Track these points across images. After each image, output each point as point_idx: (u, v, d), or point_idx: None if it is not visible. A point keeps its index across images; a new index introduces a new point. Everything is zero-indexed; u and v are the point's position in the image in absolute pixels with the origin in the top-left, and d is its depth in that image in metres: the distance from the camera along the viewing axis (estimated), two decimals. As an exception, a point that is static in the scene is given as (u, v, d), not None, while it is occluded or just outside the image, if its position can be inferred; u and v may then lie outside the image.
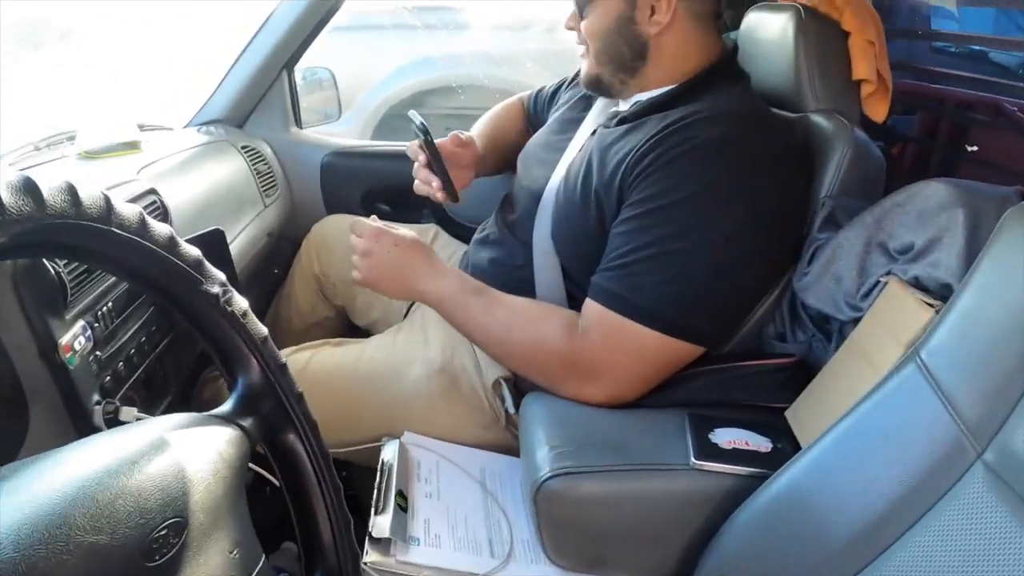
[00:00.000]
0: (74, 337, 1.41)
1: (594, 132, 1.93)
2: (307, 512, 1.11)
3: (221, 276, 0.98)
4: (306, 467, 1.09)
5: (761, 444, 1.51)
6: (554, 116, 2.24)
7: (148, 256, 0.88)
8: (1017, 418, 0.99)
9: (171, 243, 0.90)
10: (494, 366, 1.90)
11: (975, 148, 2.48)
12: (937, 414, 1.08)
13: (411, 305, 2.33)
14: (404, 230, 1.87)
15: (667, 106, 1.76)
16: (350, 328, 2.70)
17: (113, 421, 1.48)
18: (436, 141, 2.01)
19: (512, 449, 1.82)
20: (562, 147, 2.01)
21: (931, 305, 1.31)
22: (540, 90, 2.57)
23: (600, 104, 2.02)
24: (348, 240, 2.51)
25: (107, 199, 0.81)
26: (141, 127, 2.40)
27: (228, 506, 0.87)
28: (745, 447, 1.50)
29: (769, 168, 1.64)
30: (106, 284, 1.57)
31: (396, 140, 3.16)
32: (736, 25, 2.15)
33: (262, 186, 2.74)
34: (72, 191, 0.76)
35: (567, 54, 2.35)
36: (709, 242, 1.58)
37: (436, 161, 1.96)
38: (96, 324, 1.52)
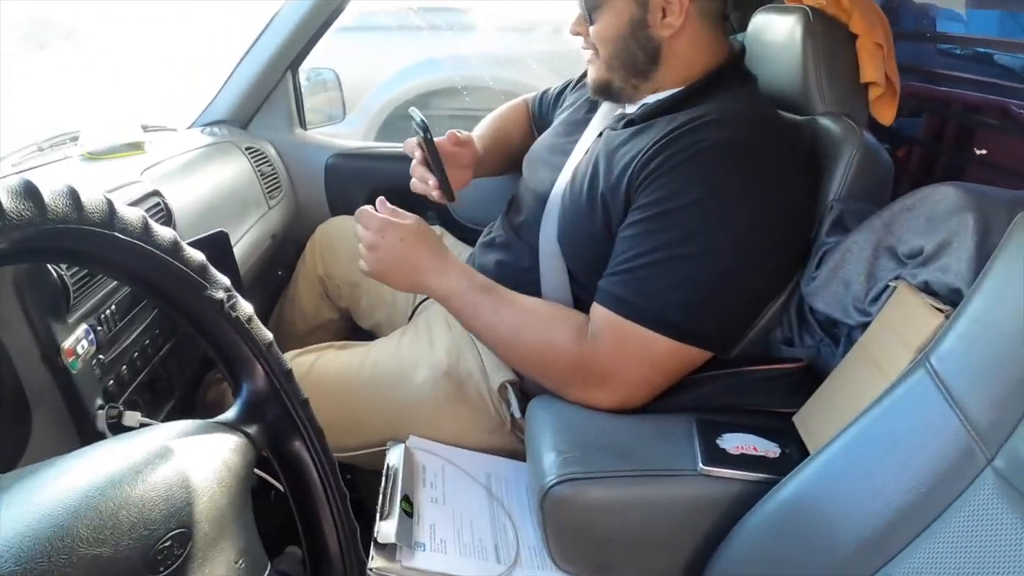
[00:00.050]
0: (77, 341, 1.40)
1: (600, 134, 1.92)
2: (313, 519, 1.10)
3: (226, 281, 0.97)
4: (312, 474, 1.08)
5: (769, 449, 1.50)
6: (559, 118, 2.23)
7: (151, 261, 0.87)
8: (1028, 424, 0.98)
9: (175, 247, 0.89)
10: (500, 370, 1.90)
11: (984, 151, 2.47)
12: (947, 420, 1.07)
13: (416, 307, 2.32)
14: (411, 221, 1.84)
15: (674, 108, 1.75)
16: (354, 330, 2.69)
17: (116, 426, 1.47)
18: (434, 140, 2.00)
19: (518, 453, 1.82)
20: (568, 149, 2.00)
21: (940, 310, 1.30)
22: (545, 92, 2.56)
23: (606, 106, 2.01)
24: (353, 242, 2.51)
25: (110, 203, 0.80)
26: (145, 128, 2.39)
27: (233, 515, 0.86)
28: (753, 452, 1.49)
29: (777, 171, 1.63)
30: (109, 287, 1.56)
31: (401, 141, 3.14)
32: (743, 27, 2.14)
33: (266, 188, 2.74)
34: (74, 195, 0.75)
35: (572, 55, 2.34)
36: (716, 246, 1.57)
37: (433, 159, 1.95)
38: (99, 327, 1.51)
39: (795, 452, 1.50)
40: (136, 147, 2.21)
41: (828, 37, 1.84)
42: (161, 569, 0.74)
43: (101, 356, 1.51)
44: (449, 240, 2.65)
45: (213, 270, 0.96)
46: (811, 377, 1.63)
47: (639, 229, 1.62)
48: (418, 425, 1.87)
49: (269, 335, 1.03)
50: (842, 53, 1.87)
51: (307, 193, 3.07)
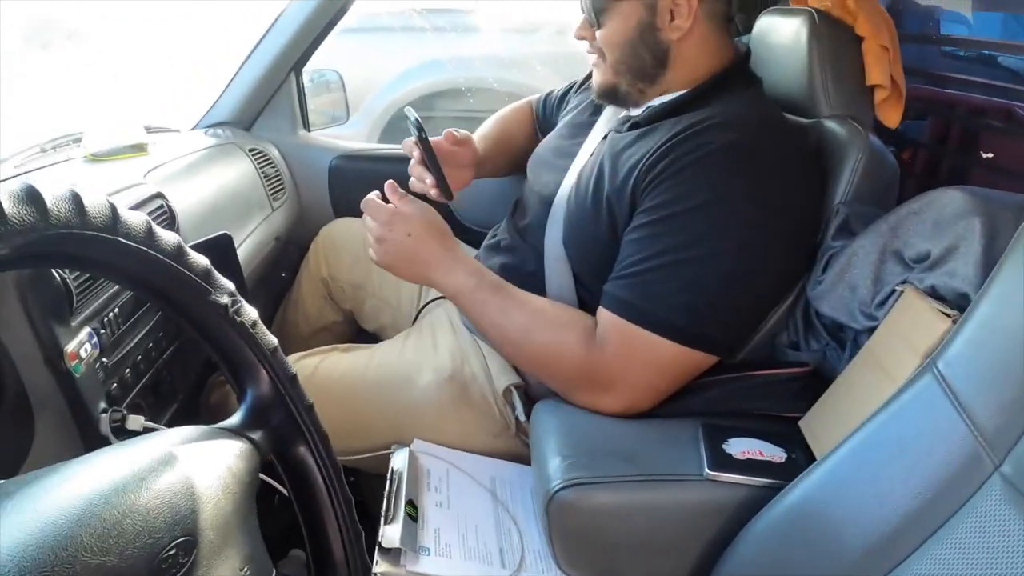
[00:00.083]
0: (80, 344, 1.40)
1: (605, 137, 1.91)
2: (317, 525, 1.09)
3: (230, 286, 0.96)
4: (317, 480, 1.07)
5: (775, 454, 1.50)
6: (563, 121, 2.22)
7: (155, 266, 0.86)
8: (1035, 430, 0.98)
9: (179, 252, 0.89)
10: (504, 373, 1.89)
11: (991, 155, 2.46)
12: (954, 425, 1.07)
13: (420, 310, 2.32)
14: (420, 212, 1.80)
15: (680, 111, 1.74)
16: (358, 332, 2.69)
17: (120, 429, 1.47)
18: (431, 139, 1.99)
19: (523, 457, 1.81)
20: (572, 152, 1.99)
21: (948, 315, 1.29)
22: (549, 94, 2.55)
23: (611, 109, 2.00)
24: (357, 244, 2.52)
25: (113, 207, 0.79)
26: (148, 129, 2.39)
27: (238, 522, 0.86)
28: (759, 457, 1.49)
29: (783, 174, 1.63)
30: (112, 290, 1.56)
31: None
32: (748, 29, 2.14)
33: (270, 189, 2.73)
34: (77, 200, 0.74)
35: (576, 57, 2.34)
36: (722, 250, 1.57)
37: (430, 158, 1.93)
38: (102, 331, 1.51)
39: (801, 457, 1.49)
40: (139, 149, 2.20)
41: (834, 39, 1.84)
42: (166, 577, 0.74)
43: (104, 359, 1.51)
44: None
45: (217, 274, 0.95)
46: (817, 382, 1.62)
47: (645, 232, 1.61)
48: (422, 428, 1.87)
49: (274, 340, 1.02)
50: (848, 55, 1.86)
51: (311, 195, 3.06)
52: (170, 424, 1.75)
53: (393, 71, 5.50)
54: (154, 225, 0.85)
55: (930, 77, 2.75)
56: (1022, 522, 0.96)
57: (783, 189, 1.62)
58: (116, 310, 1.58)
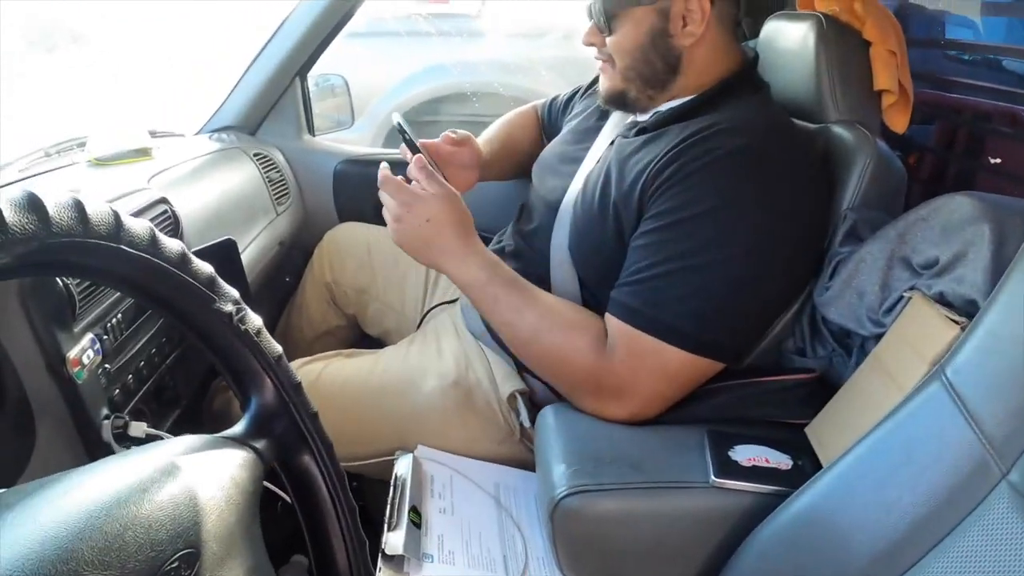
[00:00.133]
0: (82, 351, 1.40)
1: (612, 142, 1.90)
2: (321, 533, 1.08)
3: (235, 294, 0.96)
4: (321, 488, 1.06)
5: (781, 461, 1.49)
6: (569, 126, 2.21)
7: (159, 274, 0.85)
8: (1044, 438, 0.97)
9: (183, 260, 0.88)
10: (509, 379, 1.89)
11: (998, 160, 2.46)
12: (962, 433, 1.06)
13: (424, 315, 2.31)
14: (442, 196, 1.75)
15: (688, 116, 1.74)
16: (362, 337, 2.69)
17: (122, 436, 1.47)
18: (429, 142, 1.97)
19: (527, 463, 1.80)
20: (578, 157, 1.99)
21: (956, 322, 1.29)
22: (554, 98, 2.55)
23: (618, 114, 1.99)
24: (361, 249, 2.51)
25: (116, 215, 0.78)
26: (152, 134, 2.39)
27: (241, 532, 0.85)
28: (765, 464, 1.48)
29: (791, 180, 1.62)
30: (115, 296, 1.56)
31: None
32: (755, 34, 2.13)
33: (274, 194, 2.73)
34: (79, 208, 0.73)
35: (582, 62, 2.34)
36: (730, 256, 1.56)
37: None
38: (105, 337, 1.51)
39: (807, 464, 1.49)
40: (143, 153, 2.20)
41: (841, 44, 1.83)
42: (168, 591, 0.73)
43: (107, 365, 1.51)
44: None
45: (222, 282, 0.95)
46: (823, 388, 1.62)
47: (652, 239, 1.61)
48: (426, 434, 1.86)
49: (278, 348, 1.01)
50: (855, 60, 1.86)
51: (315, 199, 3.06)
52: (173, 430, 1.75)
53: (398, 76, 5.51)
54: (158, 233, 0.84)
55: (936, 81, 2.75)
56: (1030, 530, 0.95)
57: (791, 194, 1.61)
58: (119, 316, 1.57)
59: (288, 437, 1.02)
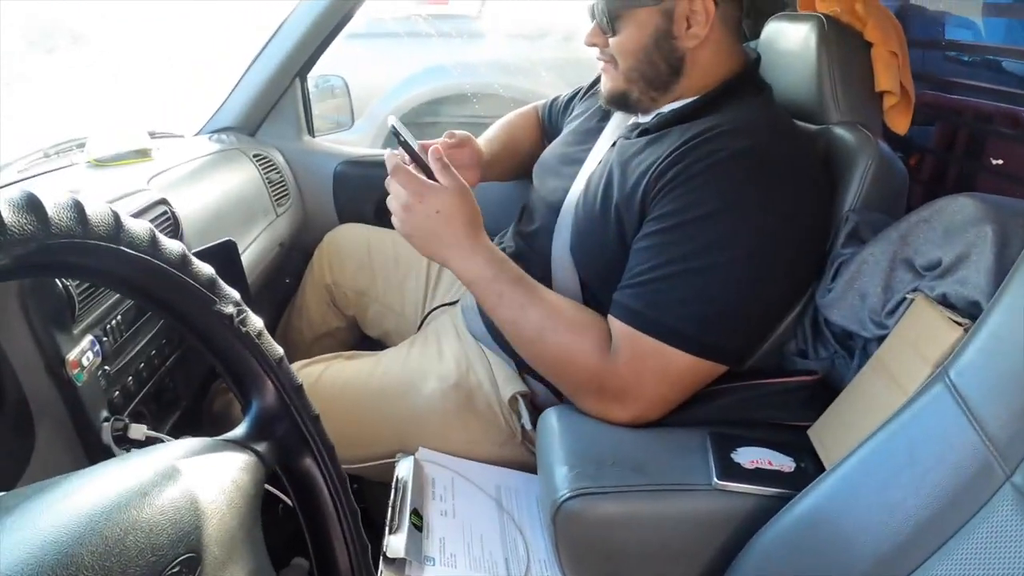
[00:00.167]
0: (82, 352, 1.39)
1: (614, 144, 1.90)
2: (323, 537, 1.08)
3: (235, 295, 0.95)
4: (322, 491, 1.06)
5: (784, 464, 1.49)
6: (569, 127, 2.21)
7: (159, 275, 0.85)
8: (1049, 439, 0.97)
9: (183, 261, 0.87)
10: (510, 382, 1.88)
11: (1000, 161, 2.46)
12: (966, 435, 1.05)
13: (424, 317, 2.31)
14: (454, 189, 1.73)
15: (690, 117, 1.73)
16: (362, 339, 2.69)
17: (122, 438, 1.46)
18: (429, 143, 1.96)
19: (528, 465, 1.80)
20: (579, 158, 1.98)
21: (959, 323, 1.28)
22: (555, 99, 2.55)
23: (619, 115, 1.99)
24: (360, 251, 2.51)
25: (116, 216, 0.77)
26: (152, 135, 2.39)
27: (243, 536, 0.84)
28: (768, 467, 1.48)
29: (794, 182, 1.62)
30: (115, 297, 1.56)
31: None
32: (755, 34, 2.13)
33: (274, 195, 2.73)
34: (79, 208, 0.73)
35: (583, 63, 2.34)
36: (733, 258, 1.56)
37: (417, 162, 1.92)
38: (105, 338, 1.50)
39: (810, 466, 1.48)
40: (143, 154, 2.20)
41: (843, 45, 1.83)
42: (169, 596, 0.72)
43: (107, 367, 1.51)
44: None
45: (222, 284, 0.94)
46: (826, 390, 1.61)
47: (654, 241, 1.60)
48: (427, 437, 1.86)
49: (279, 350, 1.01)
50: (857, 61, 1.86)
51: (315, 201, 3.06)
52: (173, 432, 1.75)
53: (398, 77, 5.51)
54: (158, 233, 0.84)
55: (936, 82, 2.75)
56: (1034, 532, 0.95)
57: (794, 196, 1.61)
58: (119, 317, 1.57)
59: (289, 440, 1.02)
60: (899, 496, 1.11)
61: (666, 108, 1.81)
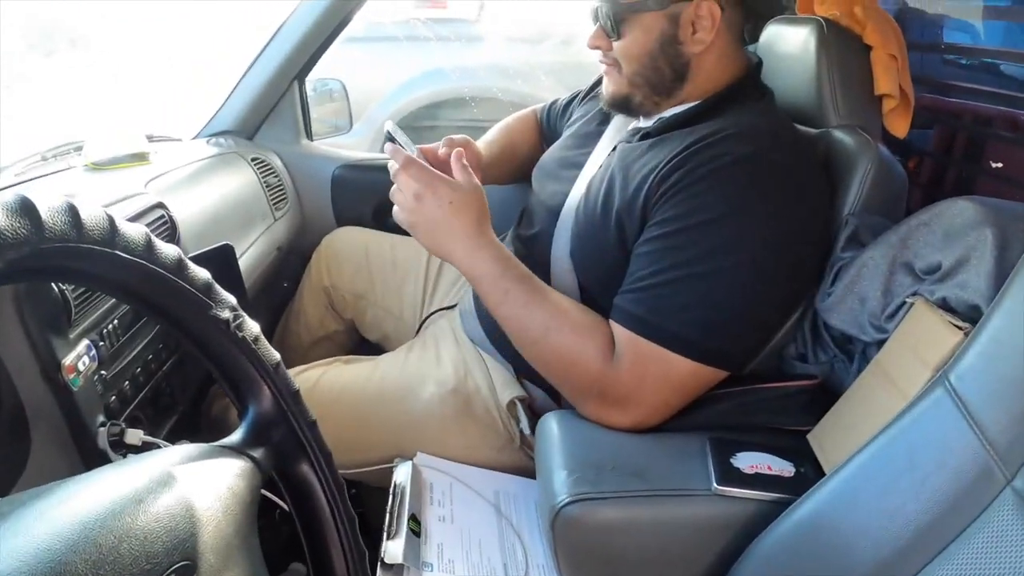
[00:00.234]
0: (78, 357, 1.39)
1: (614, 148, 1.89)
2: (320, 543, 1.07)
3: (232, 300, 0.95)
4: (319, 497, 1.05)
5: (784, 468, 1.49)
6: (569, 131, 2.20)
7: (155, 280, 0.84)
8: (1049, 444, 0.97)
9: (179, 266, 0.87)
10: (509, 386, 1.88)
11: (999, 165, 2.45)
12: (966, 439, 1.05)
13: (423, 321, 2.31)
14: (469, 186, 1.72)
15: (692, 121, 1.73)
16: (360, 343, 2.69)
17: (118, 443, 1.46)
18: (427, 147, 1.96)
19: (527, 470, 1.80)
20: (579, 162, 1.97)
21: (959, 327, 1.28)
22: (554, 102, 2.54)
23: (620, 118, 1.99)
24: (359, 254, 2.51)
25: (111, 220, 0.77)
26: (150, 138, 2.39)
27: (239, 543, 0.84)
28: (768, 472, 1.47)
29: (796, 187, 1.61)
30: (111, 302, 1.55)
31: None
32: (755, 38, 2.13)
33: (272, 199, 2.72)
34: (73, 212, 0.72)
35: (582, 67, 2.34)
36: (737, 263, 1.55)
37: None
38: (101, 343, 1.50)
39: (810, 471, 1.48)
40: (140, 158, 2.20)
41: (842, 49, 1.83)
42: (163, 604, 0.71)
43: (103, 372, 1.50)
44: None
45: (219, 288, 0.94)
46: (825, 395, 1.61)
47: (657, 245, 1.60)
48: (425, 442, 1.86)
49: (276, 355, 1.00)
50: (856, 65, 1.86)
51: (313, 204, 3.06)
52: (170, 437, 1.74)
53: (396, 80, 5.52)
54: (153, 238, 0.83)
55: (935, 86, 2.75)
56: (1035, 537, 0.95)
57: (796, 201, 1.61)
58: (115, 322, 1.57)
59: (286, 446, 1.01)
60: (899, 501, 1.11)
61: (668, 112, 1.81)
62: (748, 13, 1.79)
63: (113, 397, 1.53)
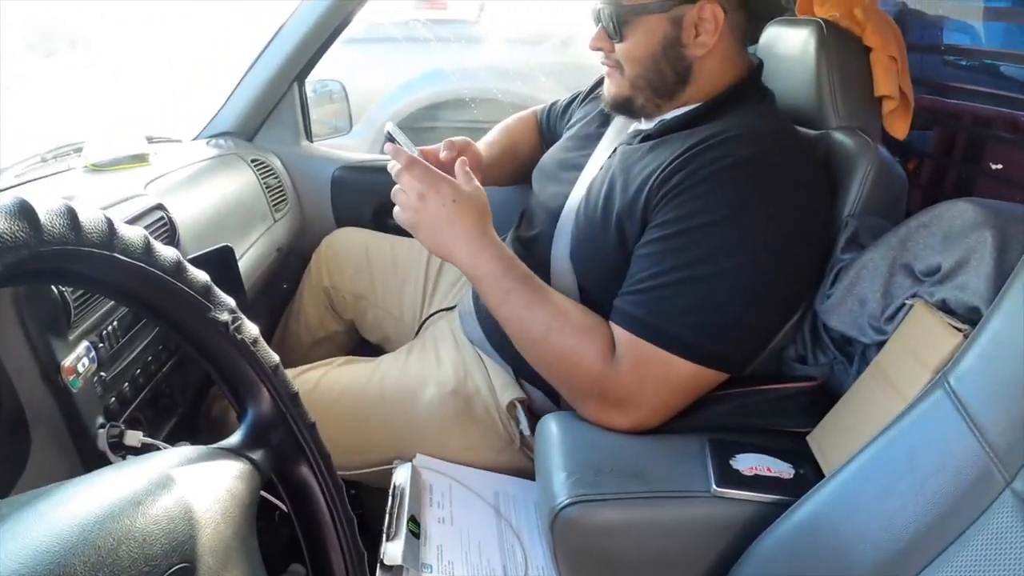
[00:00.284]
0: (77, 359, 1.39)
1: (615, 150, 1.89)
2: (319, 545, 1.07)
3: (231, 302, 0.95)
4: (318, 499, 1.05)
5: (783, 470, 1.48)
6: (569, 132, 2.20)
7: (153, 282, 0.84)
8: (1048, 446, 0.97)
9: (178, 268, 0.86)
10: (508, 388, 1.88)
11: (999, 166, 2.45)
12: (965, 442, 1.05)
13: (423, 323, 2.30)
14: (471, 187, 1.74)
15: (693, 123, 1.73)
16: (360, 343, 2.69)
17: (118, 444, 1.45)
18: (428, 148, 1.96)
19: (527, 472, 1.80)
20: (579, 164, 1.97)
21: (959, 329, 1.28)
22: (553, 104, 2.54)
23: (620, 120, 1.98)
24: (359, 255, 2.50)
25: (109, 222, 0.77)
26: (149, 139, 2.38)
27: (238, 545, 0.83)
28: (767, 473, 1.47)
29: (797, 189, 1.62)
30: (111, 303, 1.55)
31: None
32: (754, 39, 2.13)
33: (272, 200, 2.72)
34: (72, 215, 0.72)
35: (582, 69, 2.33)
36: (737, 265, 1.55)
37: None
38: (101, 344, 1.50)
39: (809, 473, 1.48)
40: (140, 159, 2.20)
41: (842, 50, 1.83)
42: (162, 606, 0.71)
43: (103, 373, 1.50)
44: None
45: (217, 291, 0.93)
46: (825, 396, 1.61)
47: (657, 247, 1.60)
48: (425, 443, 1.85)
49: (275, 357, 1.00)
50: (856, 66, 1.86)
51: (313, 206, 3.05)
52: (169, 439, 1.74)
53: (396, 81, 5.51)
54: (152, 240, 0.83)
55: (935, 87, 2.74)
56: (1035, 539, 0.95)
57: (797, 203, 1.61)
58: (115, 323, 1.56)
59: (285, 448, 1.01)
60: (899, 503, 1.11)
61: (669, 115, 1.80)
62: (750, 15, 1.78)
63: (113, 399, 1.53)
